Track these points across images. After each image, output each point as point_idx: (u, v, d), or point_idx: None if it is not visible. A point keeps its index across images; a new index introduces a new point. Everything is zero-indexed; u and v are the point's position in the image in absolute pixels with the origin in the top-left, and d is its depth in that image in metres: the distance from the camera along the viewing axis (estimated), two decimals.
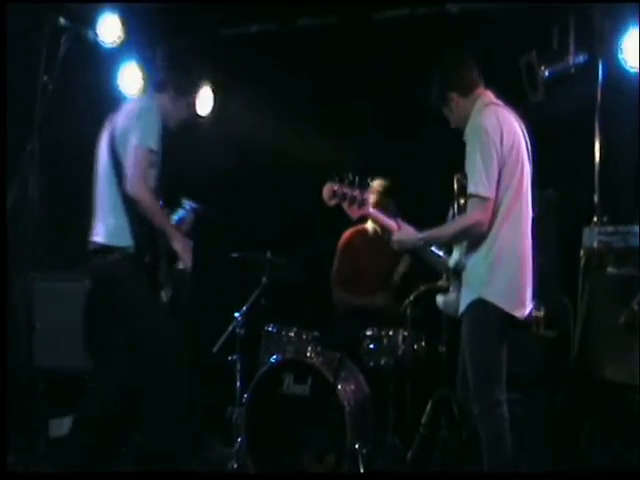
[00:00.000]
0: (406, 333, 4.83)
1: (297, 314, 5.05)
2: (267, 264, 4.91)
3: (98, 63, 5.44)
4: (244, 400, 4.67)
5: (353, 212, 3.63)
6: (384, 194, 5.02)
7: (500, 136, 3.44)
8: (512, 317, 3.48)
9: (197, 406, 5.28)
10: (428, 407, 4.73)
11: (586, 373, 4.37)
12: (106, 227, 3.84)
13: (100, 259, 3.83)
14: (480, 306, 3.47)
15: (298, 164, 5.68)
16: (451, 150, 5.26)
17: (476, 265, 3.51)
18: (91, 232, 3.93)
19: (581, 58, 4.83)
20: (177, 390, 3.84)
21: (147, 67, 5.72)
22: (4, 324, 4.09)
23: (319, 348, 4.83)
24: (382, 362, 4.81)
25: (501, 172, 3.44)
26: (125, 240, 3.79)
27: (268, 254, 4.89)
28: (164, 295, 3.86)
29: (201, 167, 5.65)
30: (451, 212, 4.54)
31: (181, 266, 4.08)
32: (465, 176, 4.85)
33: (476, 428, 4.47)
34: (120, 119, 3.95)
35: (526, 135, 3.66)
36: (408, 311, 4.84)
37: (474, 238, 3.50)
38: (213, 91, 5.86)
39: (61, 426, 4.69)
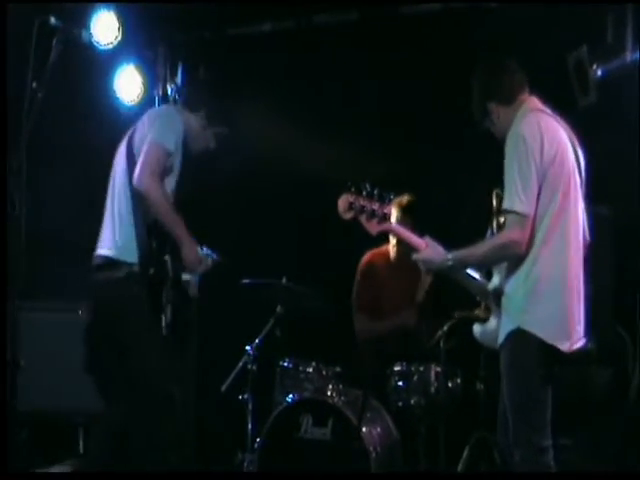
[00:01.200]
0: (439, 369, 4.75)
1: (316, 347, 4.99)
2: (282, 291, 4.84)
3: (93, 67, 5.41)
4: (256, 445, 4.60)
5: (372, 227, 3.54)
6: (404, 211, 4.94)
7: (540, 145, 3.38)
8: (556, 351, 3.37)
9: (203, 452, 5.25)
10: (465, 453, 4.64)
11: None
12: (115, 239, 3.87)
13: (104, 275, 3.85)
14: (519, 337, 3.38)
15: (317, 178, 5.61)
16: (488, 161, 5.25)
17: (514, 291, 3.44)
18: (98, 246, 3.95)
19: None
20: (163, 433, 3.80)
21: (147, 69, 5.71)
22: None
23: (341, 386, 4.75)
24: (412, 402, 4.74)
25: (541, 186, 3.38)
26: (132, 255, 3.82)
27: (284, 280, 4.82)
28: (164, 320, 3.83)
29: (209, 181, 5.61)
30: (489, 233, 4.51)
31: (187, 276, 4.07)
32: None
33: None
34: (140, 125, 4.01)
35: (577, 146, 3.57)
36: (442, 343, 4.75)
37: (510, 259, 3.43)
38: None
39: None
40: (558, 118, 3.57)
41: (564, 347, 3.37)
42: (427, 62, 5.44)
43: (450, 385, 4.80)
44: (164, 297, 3.86)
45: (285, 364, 4.87)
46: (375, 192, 3.54)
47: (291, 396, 4.69)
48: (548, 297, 3.38)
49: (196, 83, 4.40)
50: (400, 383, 4.78)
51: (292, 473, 4.42)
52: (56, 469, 4.73)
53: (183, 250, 3.87)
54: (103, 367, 4.05)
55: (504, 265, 3.51)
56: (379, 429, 4.64)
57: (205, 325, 5.21)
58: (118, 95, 5.59)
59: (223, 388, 4.82)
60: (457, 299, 5.09)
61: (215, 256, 4.16)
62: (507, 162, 3.42)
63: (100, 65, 5.47)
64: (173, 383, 3.89)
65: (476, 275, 3.67)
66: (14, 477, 3.82)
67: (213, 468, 5.16)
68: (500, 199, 4.90)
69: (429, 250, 3.53)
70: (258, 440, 4.60)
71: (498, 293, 3.52)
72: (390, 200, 3.55)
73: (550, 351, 3.36)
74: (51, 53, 4.03)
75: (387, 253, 5.33)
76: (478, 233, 4.74)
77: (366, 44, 5.49)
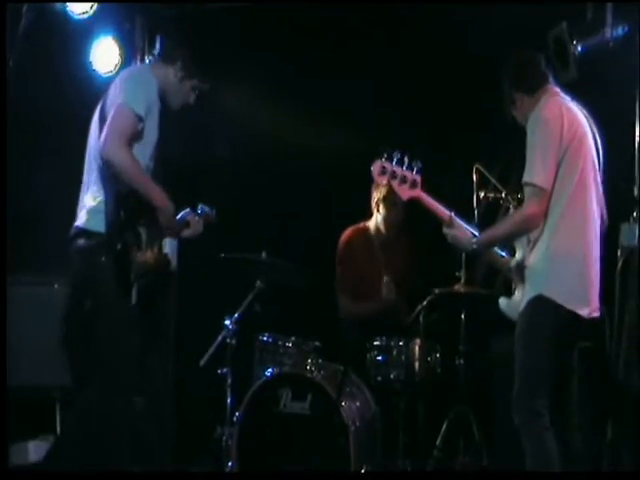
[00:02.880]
0: (419, 343, 4.81)
1: (295, 322, 5.03)
2: (262, 266, 4.86)
3: (67, 37, 5.34)
4: (235, 419, 4.63)
5: (404, 192, 3.77)
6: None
7: (560, 125, 3.62)
8: (574, 318, 3.55)
9: (182, 426, 5.26)
10: (444, 427, 4.72)
11: (622, 389, 4.35)
12: (86, 209, 3.81)
13: (76, 245, 3.81)
14: (539, 303, 3.58)
15: (298, 153, 5.65)
16: (470, 137, 5.31)
17: (535, 262, 3.64)
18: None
19: (620, 30, 4.77)
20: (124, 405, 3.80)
21: (125, 40, 5.66)
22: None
23: (320, 360, 4.80)
24: (391, 376, 4.80)
25: (560, 164, 3.60)
26: (101, 225, 3.74)
27: (263, 254, 4.83)
28: (133, 294, 3.78)
29: (188, 157, 5.60)
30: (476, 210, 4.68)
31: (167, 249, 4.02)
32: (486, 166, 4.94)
33: (500, 454, 4.49)
34: (112, 88, 3.89)
35: (596, 132, 3.80)
36: (421, 318, 4.82)
37: (530, 231, 3.64)
38: None
39: (25, 452, 4.65)
40: (578, 105, 3.81)
41: (584, 312, 3.58)
42: (409, 38, 5.47)
43: (429, 360, 4.86)
44: (134, 270, 3.79)
45: (264, 338, 4.91)
46: (405, 159, 3.78)
47: (270, 370, 4.73)
48: (568, 265, 3.59)
49: (170, 34, 4.24)
50: (379, 357, 4.84)
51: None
52: (33, 444, 4.74)
53: (158, 215, 3.80)
54: (76, 347, 4.02)
55: (525, 240, 3.73)
56: (358, 403, 4.70)
57: (184, 299, 5.20)
58: (95, 66, 5.53)
59: (202, 362, 4.81)
60: (436, 274, 5.17)
61: (213, 212, 4.17)
62: (529, 140, 3.65)
63: (76, 36, 5.40)
64: (140, 356, 3.85)
65: (502, 252, 3.91)
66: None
67: (192, 443, 5.17)
68: (480, 174, 4.99)
69: (457, 230, 3.76)
70: (237, 414, 4.63)
71: (521, 267, 3.73)
72: (419, 168, 3.78)
73: (568, 318, 3.56)
74: (21, 21, 3.98)
75: (366, 228, 5.36)
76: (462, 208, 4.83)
77: (346, 19, 5.47)
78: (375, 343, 4.87)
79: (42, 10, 4.91)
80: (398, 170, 3.75)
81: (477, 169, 4.94)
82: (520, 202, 4.84)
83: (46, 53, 5.10)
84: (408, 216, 5.21)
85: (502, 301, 3.92)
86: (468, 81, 5.39)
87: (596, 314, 3.66)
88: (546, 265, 3.61)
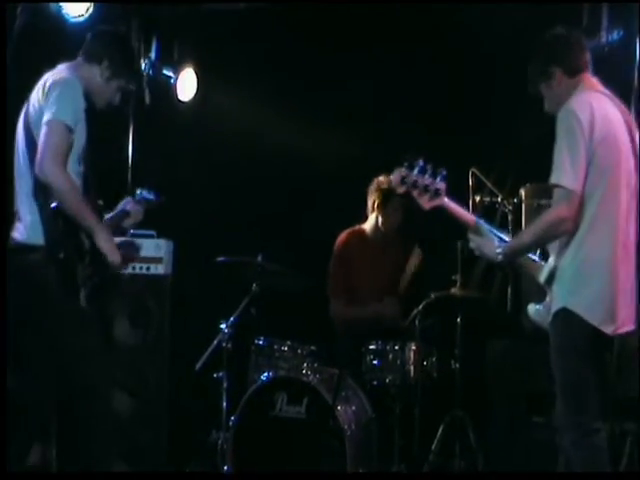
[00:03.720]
0: (415, 347, 4.81)
1: (291, 326, 5.03)
2: (258, 269, 4.87)
3: (62, 40, 5.34)
4: (231, 423, 4.63)
5: (425, 202, 3.63)
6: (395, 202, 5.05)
7: (590, 124, 3.37)
8: (600, 333, 3.35)
9: (177, 430, 5.27)
10: (439, 432, 4.73)
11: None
12: (24, 222, 3.73)
13: (18, 260, 3.73)
14: (564, 317, 3.38)
15: (294, 157, 5.67)
16: (466, 141, 5.34)
17: (562, 272, 3.44)
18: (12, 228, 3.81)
19: (615, 35, 4.79)
20: (98, 404, 3.78)
21: None
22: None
23: (316, 364, 4.80)
24: (387, 380, 4.80)
25: (589, 166, 3.35)
26: (41, 238, 3.65)
27: (259, 258, 4.85)
28: (82, 299, 3.77)
29: (183, 159, 5.62)
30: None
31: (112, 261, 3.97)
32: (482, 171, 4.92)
33: (495, 458, 4.49)
34: (34, 95, 3.77)
35: (635, 129, 3.57)
36: (417, 322, 4.83)
37: (560, 236, 3.41)
38: (196, 73, 5.80)
39: None
40: (616, 99, 3.58)
41: (608, 330, 3.35)
42: (402, 40, 5.49)
43: (425, 364, 4.86)
44: (79, 277, 3.78)
45: (260, 342, 4.91)
46: (428, 168, 3.64)
47: (266, 374, 4.74)
48: (593, 279, 3.38)
49: (97, 37, 4.19)
50: (375, 361, 4.84)
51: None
52: None
53: (97, 241, 3.69)
54: (22, 352, 3.98)
55: (558, 244, 3.49)
56: (354, 407, 4.70)
57: (180, 303, 5.22)
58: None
59: (197, 366, 4.83)
60: (433, 278, 5.19)
61: (152, 197, 4.06)
62: (558, 137, 3.41)
63: (72, 38, 5.39)
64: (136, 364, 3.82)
65: (534, 256, 3.65)
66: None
67: (188, 447, 5.19)
68: (476, 178, 5.01)
69: (483, 240, 3.57)
70: (233, 418, 4.64)
71: (552, 273, 3.52)
72: (443, 176, 3.65)
73: (594, 333, 3.35)
74: (15, 24, 3.96)
75: (362, 231, 5.36)
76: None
77: (342, 21, 5.49)
78: (371, 347, 4.87)
79: (37, 12, 4.92)
80: (420, 179, 3.61)
81: (473, 173, 4.96)
82: (515, 206, 4.89)
83: (41, 56, 5.09)
84: (405, 220, 5.22)
85: (531, 307, 3.69)
86: (464, 85, 5.42)
87: (625, 329, 3.38)
88: (572, 275, 3.39)
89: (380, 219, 5.21)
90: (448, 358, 4.90)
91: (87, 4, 5.22)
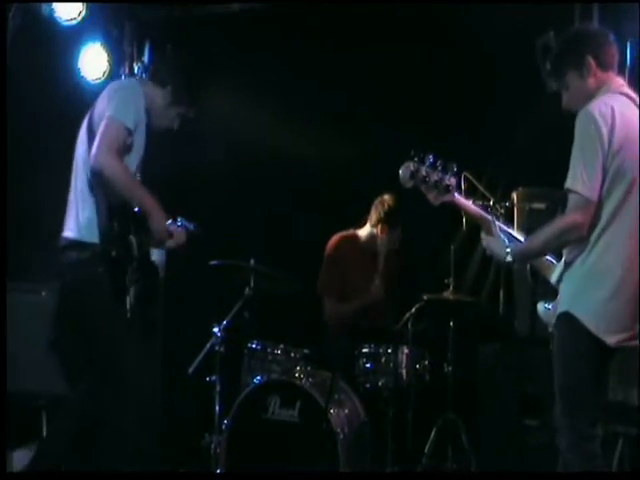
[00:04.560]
0: (407, 351, 4.84)
1: (284, 329, 5.04)
2: (251, 273, 4.89)
3: (55, 43, 5.35)
4: (224, 427, 4.65)
5: (434, 198, 3.54)
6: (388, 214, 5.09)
7: (610, 130, 3.28)
8: (601, 346, 3.30)
9: (170, 433, 5.29)
10: (432, 435, 4.75)
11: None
12: (78, 221, 3.82)
13: (70, 257, 3.82)
14: (568, 321, 3.33)
15: (287, 161, 5.68)
16: (457, 143, 5.36)
17: (569, 275, 3.39)
18: (63, 227, 3.90)
19: None
20: (124, 403, 3.83)
21: (113, 47, 5.68)
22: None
23: (309, 368, 4.83)
24: (380, 383, 4.83)
25: (606, 173, 3.28)
26: (95, 236, 3.77)
27: (252, 262, 4.87)
28: (128, 303, 3.83)
29: (176, 164, 5.63)
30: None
31: (154, 257, 4.05)
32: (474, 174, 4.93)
33: (488, 461, 4.52)
34: (100, 100, 3.90)
35: None
36: (409, 326, 4.86)
37: (572, 243, 3.34)
38: None
39: (10, 462, 4.64)
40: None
41: (610, 341, 3.30)
42: (393, 44, 5.51)
43: (418, 367, 4.89)
44: (127, 279, 3.84)
45: (253, 346, 4.92)
46: (438, 163, 3.55)
47: (259, 377, 4.75)
48: (600, 287, 3.32)
49: (164, 59, 4.27)
50: (368, 365, 4.86)
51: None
52: (17, 453, 4.73)
53: (150, 221, 3.81)
54: (69, 350, 4.04)
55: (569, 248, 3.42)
56: (347, 411, 4.71)
57: (173, 306, 5.24)
58: (83, 73, 5.54)
59: (190, 370, 4.83)
60: (425, 281, 5.22)
61: (192, 227, 4.15)
62: (575, 140, 3.34)
63: (64, 42, 5.41)
64: (139, 366, 3.88)
65: (548, 256, 3.58)
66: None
67: (181, 450, 5.20)
68: (468, 181, 5.02)
69: (494, 240, 3.51)
70: (226, 421, 4.65)
71: (562, 274, 3.45)
72: (454, 172, 3.56)
73: (596, 341, 3.30)
74: (7, 27, 3.97)
75: (355, 236, 5.39)
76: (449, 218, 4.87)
77: (336, 24, 5.52)
78: (364, 350, 4.89)
79: (29, 16, 4.92)
80: (430, 174, 3.49)
81: (465, 177, 4.97)
82: (507, 210, 4.91)
83: (34, 59, 5.11)
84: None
85: (540, 306, 3.61)
86: (457, 90, 5.45)
87: (630, 343, 3.32)
88: (578, 282, 3.34)
89: (379, 236, 5.21)
90: (440, 361, 4.92)
91: (80, 8, 5.23)
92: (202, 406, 4.90)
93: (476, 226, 5.03)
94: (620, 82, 3.51)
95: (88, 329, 3.83)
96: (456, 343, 4.96)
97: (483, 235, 3.54)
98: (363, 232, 5.36)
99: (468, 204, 3.60)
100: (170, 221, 4.12)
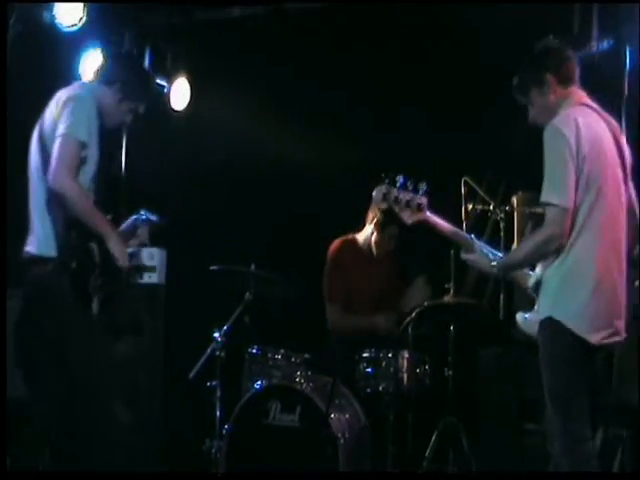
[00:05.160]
0: (408, 355, 4.83)
1: (285, 334, 5.06)
2: (251, 278, 4.89)
3: (56, 49, 5.36)
4: (224, 432, 4.64)
5: (407, 217, 3.66)
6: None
7: (577, 141, 3.43)
8: (586, 342, 3.37)
9: (171, 438, 5.28)
10: (433, 439, 4.73)
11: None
12: (37, 235, 3.80)
13: (32, 273, 3.79)
14: (551, 326, 3.41)
15: (287, 165, 5.69)
16: (457, 148, 5.37)
17: (548, 281, 3.49)
18: (26, 241, 3.87)
19: (605, 44, 4.82)
20: (99, 413, 3.81)
21: (113, 53, 5.68)
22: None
23: (309, 372, 4.82)
24: (380, 388, 4.82)
25: (578, 180, 3.42)
26: (54, 249, 3.73)
27: (252, 267, 4.87)
28: (94, 308, 3.82)
29: (177, 168, 5.64)
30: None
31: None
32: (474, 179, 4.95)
33: (488, 465, 4.50)
34: (49, 110, 3.86)
35: (621, 138, 3.64)
36: (410, 330, 4.85)
37: (552, 253, 3.45)
38: (190, 82, 5.83)
39: None
40: (601, 111, 3.62)
41: (593, 340, 3.37)
42: (389, 48, 5.52)
43: (418, 371, 4.88)
44: (91, 286, 3.82)
45: (253, 351, 4.92)
46: (409, 183, 3.67)
47: (259, 383, 4.75)
48: (578, 289, 3.41)
49: (112, 58, 4.22)
50: (369, 369, 4.85)
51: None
52: None
53: (109, 245, 3.78)
54: (34, 363, 4.02)
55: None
56: (347, 415, 4.71)
57: (173, 311, 5.24)
58: (83, 79, 5.53)
59: (191, 375, 4.84)
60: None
61: (155, 218, 4.10)
62: (545, 156, 3.48)
63: (65, 48, 5.42)
64: (130, 373, 3.85)
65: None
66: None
67: (181, 455, 5.19)
68: (468, 186, 5.04)
69: (476, 254, 3.63)
70: (226, 426, 4.65)
71: (539, 283, 3.56)
72: (424, 191, 3.67)
73: (580, 342, 3.37)
74: (8, 33, 3.97)
75: (355, 241, 5.39)
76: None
77: (335, 30, 5.53)
78: (364, 355, 4.88)
79: (30, 22, 4.92)
80: (402, 194, 3.63)
81: (465, 181, 4.98)
82: (507, 214, 4.92)
83: (35, 65, 5.12)
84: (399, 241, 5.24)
85: (519, 316, 3.71)
86: (456, 93, 5.45)
87: (612, 340, 3.40)
88: (556, 285, 3.44)
89: (375, 236, 5.25)
90: (441, 365, 4.90)
91: (80, 14, 5.24)
92: (203, 411, 4.91)
93: (476, 230, 5.07)
94: (581, 94, 3.64)
95: (55, 340, 3.80)
96: (456, 347, 4.94)
97: (463, 254, 3.65)
98: (362, 236, 5.36)
99: (441, 223, 3.70)
100: (132, 218, 4.11)
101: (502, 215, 4.91)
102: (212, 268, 4.88)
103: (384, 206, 3.69)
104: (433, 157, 5.49)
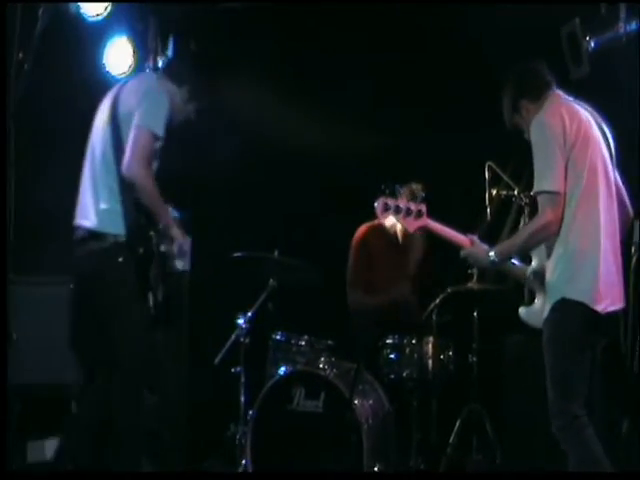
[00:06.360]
0: (432, 341, 4.81)
1: (309, 321, 5.03)
2: (275, 264, 4.87)
3: (82, 39, 5.37)
4: (249, 417, 4.64)
5: (409, 225, 3.83)
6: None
7: (562, 129, 3.60)
8: (596, 320, 3.54)
9: (196, 424, 5.29)
10: (457, 425, 4.71)
11: (638, 385, 4.31)
12: (97, 211, 3.86)
13: (88, 246, 3.84)
14: (563, 306, 3.57)
15: (309, 152, 5.65)
16: (482, 134, 5.29)
17: (555, 266, 3.62)
18: (77, 216, 3.94)
19: (634, 25, 4.73)
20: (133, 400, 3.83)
21: (138, 41, 5.68)
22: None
23: (333, 359, 4.81)
24: (404, 374, 4.81)
25: (567, 168, 3.58)
26: (118, 227, 3.81)
27: (276, 253, 4.85)
28: (151, 298, 3.84)
29: (198, 156, 5.62)
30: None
31: (179, 267, 4.06)
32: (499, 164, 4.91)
33: (513, 451, 4.46)
34: (126, 96, 3.97)
35: (604, 125, 3.78)
36: (434, 316, 4.82)
37: (548, 239, 3.62)
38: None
39: (41, 450, 4.68)
40: (582, 104, 3.79)
41: (599, 308, 3.54)
42: (413, 38, 5.47)
43: (442, 358, 4.86)
44: (152, 275, 3.85)
45: (277, 337, 4.92)
46: (407, 192, 3.99)
47: (283, 369, 4.74)
48: (585, 268, 3.57)
49: (182, 56, 4.33)
50: (392, 356, 4.85)
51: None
52: (49, 442, 4.76)
53: (172, 235, 3.91)
54: (87, 340, 4.05)
55: (542, 247, 3.71)
56: (371, 401, 4.70)
57: (198, 298, 5.23)
58: (108, 68, 5.55)
59: (216, 361, 4.83)
60: (449, 272, 5.16)
61: (177, 214, 4.13)
62: (534, 149, 3.65)
63: (90, 37, 5.43)
64: (157, 359, 3.89)
65: (515, 260, 3.88)
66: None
67: (206, 441, 5.19)
68: (493, 171, 4.98)
69: (474, 248, 3.76)
70: (251, 412, 4.64)
71: (540, 274, 3.73)
72: (422, 197, 3.90)
73: (591, 318, 3.54)
74: (37, 24, 3.99)
75: (382, 227, 5.35)
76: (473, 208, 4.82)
77: (358, 21, 5.47)
78: (388, 341, 4.88)
79: (57, 12, 4.93)
80: (401, 203, 3.81)
81: (489, 166, 4.93)
82: (532, 199, 4.85)
83: (60, 55, 5.13)
84: None
85: (522, 310, 3.88)
86: (480, 77, 5.38)
87: (614, 308, 3.60)
88: (565, 267, 3.59)
89: (400, 226, 5.19)
90: (465, 352, 4.89)
91: (106, 3, 5.24)
92: (227, 397, 4.90)
93: (500, 215, 5.01)
94: (559, 94, 3.81)
95: (108, 319, 3.83)
96: (481, 333, 4.90)
97: (463, 253, 3.76)
98: (389, 222, 5.32)
99: (441, 227, 3.84)
100: None
101: (526, 200, 4.85)
102: (236, 255, 4.86)
103: (386, 216, 3.85)
104: (458, 143, 5.43)
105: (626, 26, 4.77)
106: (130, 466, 3.82)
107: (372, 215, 5.30)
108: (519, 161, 5.30)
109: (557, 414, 3.55)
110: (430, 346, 4.82)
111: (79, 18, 5.22)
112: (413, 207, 3.79)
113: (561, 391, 3.55)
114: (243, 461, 4.63)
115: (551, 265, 3.64)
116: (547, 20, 4.94)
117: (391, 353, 4.85)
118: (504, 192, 4.95)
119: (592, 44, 4.84)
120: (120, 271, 3.79)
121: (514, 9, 4.98)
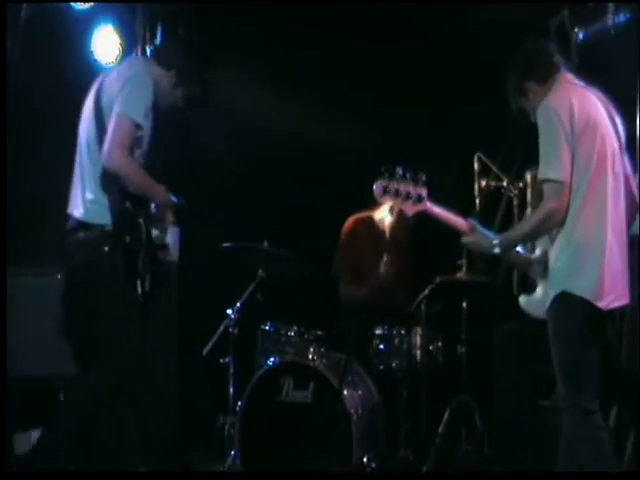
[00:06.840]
0: (421, 332, 4.81)
1: (297, 311, 5.01)
2: (264, 255, 4.86)
3: (68, 28, 5.33)
4: (238, 408, 4.63)
5: (408, 209, 3.72)
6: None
7: (569, 115, 3.48)
8: (599, 312, 3.46)
9: (184, 415, 5.26)
10: (445, 416, 4.72)
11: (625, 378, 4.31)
12: (84, 202, 3.85)
13: (77, 236, 3.83)
14: (564, 300, 3.48)
15: (299, 143, 5.64)
16: (471, 124, 5.29)
17: (558, 258, 3.55)
18: (70, 205, 3.92)
19: (622, 17, 4.73)
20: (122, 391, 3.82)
21: (125, 30, 5.63)
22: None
23: (322, 349, 4.79)
24: (393, 365, 4.80)
25: (574, 155, 3.48)
26: (104, 217, 3.79)
27: (265, 244, 4.84)
28: (139, 287, 3.81)
29: (188, 146, 5.59)
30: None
31: (169, 242, 4.06)
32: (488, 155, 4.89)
33: (501, 442, 4.47)
34: (108, 82, 3.93)
35: (614, 114, 3.68)
36: (423, 307, 4.82)
37: (553, 228, 3.54)
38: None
39: (28, 442, 4.65)
40: (591, 88, 3.69)
41: (602, 305, 3.46)
42: (406, 31, 5.47)
43: (431, 348, 4.86)
44: (140, 263, 3.83)
45: (266, 327, 4.91)
46: (408, 174, 3.71)
47: (272, 359, 4.73)
48: (589, 261, 3.48)
49: (171, 41, 4.28)
50: (381, 346, 4.84)
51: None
52: (36, 433, 4.72)
53: (162, 208, 3.91)
54: (76, 331, 4.03)
55: (546, 236, 3.64)
56: (360, 392, 4.69)
57: (186, 288, 5.20)
58: (95, 57, 5.50)
59: (204, 351, 4.82)
60: (438, 263, 5.16)
61: (175, 200, 4.11)
62: (540, 132, 3.54)
63: (77, 26, 5.38)
64: (145, 349, 3.87)
65: (519, 248, 3.83)
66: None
67: (195, 431, 5.18)
68: (482, 162, 4.98)
69: (477, 236, 3.68)
70: (239, 403, 4.63)
71: (543, 263, 3.67)
72: (424, 181, 3.70)
73: (593, 312, 3.46)
74: (21, 13, 3.96)
75: (371, 219, 5.33)
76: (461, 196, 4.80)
77: (349, 11, 5.44)
78: (377, 332, 4.88)
79: (42, 1, 4.87)
80: (401, 186, 3.68)
81: (479, 157, 4.93)
82: (521, 191, 4.85)
83: (47, 44, 5.09)
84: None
85: (522, 299, 3.84)
86: (469, 69, 5.38)
87: (618, 304, 3.50)
88: (568, 260, 3.50)
89: (393, 221, 5.18)
90: (454, 342, 4.89)
91: None
92: (216, 387, 4.90)
93: (491, 206, 4.99)
94: (568, 77, 3.70)
95: (96, 309, 3.80)
96: (469, 324, 4.91)
97: (465, 239, 3.69)
98: (378, 216, 5.30)
99: (443, 212, 3.75)
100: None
101: (516, 192, 4.85)
102: (225, 245, 4.84)
103: (385, 200, 3.71)
104: (447, 133, 5.43)
105: (614, 18, 4.77)
106: (119, 459, 3.79)
107: (363, 206, 5.35)
108: (508, 152, 5.32)
109: (568, 408, 3.46)
110: (419, 337, 4.81)
111: (66, 7, 5.17)
112: (413, 191, 3.68)
113: (570, 384, 3.46)
114: (232, 452, 4.62)
115: (554, 254, 3.56)
116: (536, 11, 4.94)
117: (380, 344, 4.84)
118: (493, 183, 4.94)
119: (580, 36, 4.84)
120: (106, 260, 3.77)
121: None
